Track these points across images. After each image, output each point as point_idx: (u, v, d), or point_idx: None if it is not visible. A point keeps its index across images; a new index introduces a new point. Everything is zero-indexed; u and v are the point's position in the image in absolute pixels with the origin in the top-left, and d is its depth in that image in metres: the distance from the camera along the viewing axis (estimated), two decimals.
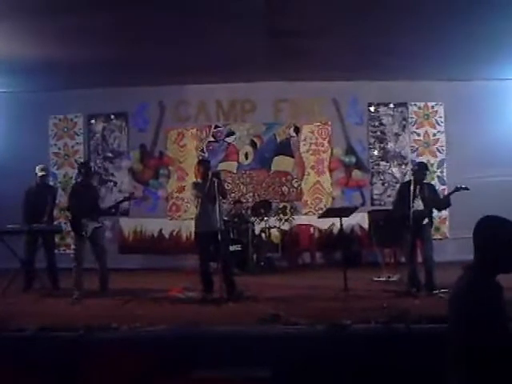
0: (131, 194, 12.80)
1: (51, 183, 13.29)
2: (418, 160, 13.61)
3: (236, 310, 8.97)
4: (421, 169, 10.78)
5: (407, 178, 12.63)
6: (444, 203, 10.78)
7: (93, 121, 15.45)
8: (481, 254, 4.02)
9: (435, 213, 10.99)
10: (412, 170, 11.32)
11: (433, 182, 13.42)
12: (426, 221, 10.35)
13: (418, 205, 10.29)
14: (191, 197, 11.10)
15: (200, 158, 14.40)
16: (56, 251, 11.96)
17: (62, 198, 13.53)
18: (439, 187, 13.70)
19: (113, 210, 11.61)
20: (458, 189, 10.45)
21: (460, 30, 10.85)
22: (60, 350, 6.67)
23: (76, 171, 13.48)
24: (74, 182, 13.12)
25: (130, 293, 10.51)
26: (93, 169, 12.60)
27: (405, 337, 6.76)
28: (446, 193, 12.35)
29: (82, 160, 14.59)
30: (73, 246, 10.88)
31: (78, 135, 15.36)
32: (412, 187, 10.35)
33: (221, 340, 6.93)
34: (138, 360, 6.23)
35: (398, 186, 12.93)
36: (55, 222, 12.19)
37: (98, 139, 15.41)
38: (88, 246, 10.71)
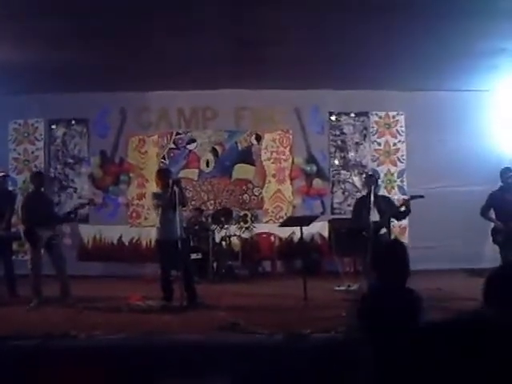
0: (90, 200, 12.74)
1: (10, 188, 13.17)
2: (376, 169, 13.76)
3: (196, 319, 8.97)
4: (372, 177, 11.03)
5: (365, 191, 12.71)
6: (401, 213, 10.90)
7: (54, 126, 15.28)
8: None
9: (395, 222, 11.09)
10: (364, 180, 11.50)
11: (393, 191, 13.60)
12: (383, 231, 10.45)
13: (375, 215, 10.41)
14: (151, 205, 11.04)
15: (160, 166, 14.31)
16: (14, 258, 11.86)
17: None
18: (399, 196, 13.82)
19: (71, 216, 11.53)
20: (413, 197, 10.62)
21: (421, 42, 10.96)
22: (18, 359, 6.59)
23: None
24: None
25: (89, 300, 10.47)
26: (46, 177, 12.38)
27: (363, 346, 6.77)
28: None
29: (37, 169, 14.37)
30: (28, 256, 10.73)
31: (38, 140, 15.14)
32: (368, 200, 10.48)
33: (181, 349, 6.91)
34: (97, 369, 6.19)
35: (357, 195, 13.07)
36: (13, 229, 12.02)
37: (58, 145, 15.23)
38: (45, 254, 10.62)
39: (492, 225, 11.06)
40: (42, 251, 10.61)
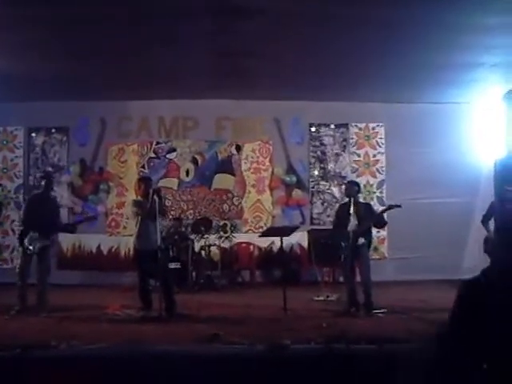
0: (93, 215, 12.82)
1: None
2: (356, 180, 13.80)
3: (175, 329, 8.92)
4: (351, 187, 10.95)
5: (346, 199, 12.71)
6: (379, 221, 10.86)
7: (33, 134, 15.19)
8: None
9: (374, 233, 11.10)
10: (345, 189, 11.52)
11: (372, 203, 13.62)
12: (361, 241, 10.41)
13: (355, 224, 10.40)
14: (131, 213, 10.95)
15: (141, 175, 14.26)
16: None
17: None
18: (378, 208, 13.85)
19: (70, 228, 11.43)
20: (390, 207, 10.63)
21: (401, 55, 11.07)
22: None
23: (15, 184, 13.50)
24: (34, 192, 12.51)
25: (68, 309, 10.38)
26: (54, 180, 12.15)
27: (344, 357, 6.79)
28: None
29: (45, 171, 14.34)
30: (18, 261, 10.54)
31: (17, 148, 15.04)
32: (348, 207, 10.50)
33: (160, 359, 6.88)
34: (78, 379, 6.16)
35: (337, 206, 13.08)
36: None
37: (38, 153, 15.17)
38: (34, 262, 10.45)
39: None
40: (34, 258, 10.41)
